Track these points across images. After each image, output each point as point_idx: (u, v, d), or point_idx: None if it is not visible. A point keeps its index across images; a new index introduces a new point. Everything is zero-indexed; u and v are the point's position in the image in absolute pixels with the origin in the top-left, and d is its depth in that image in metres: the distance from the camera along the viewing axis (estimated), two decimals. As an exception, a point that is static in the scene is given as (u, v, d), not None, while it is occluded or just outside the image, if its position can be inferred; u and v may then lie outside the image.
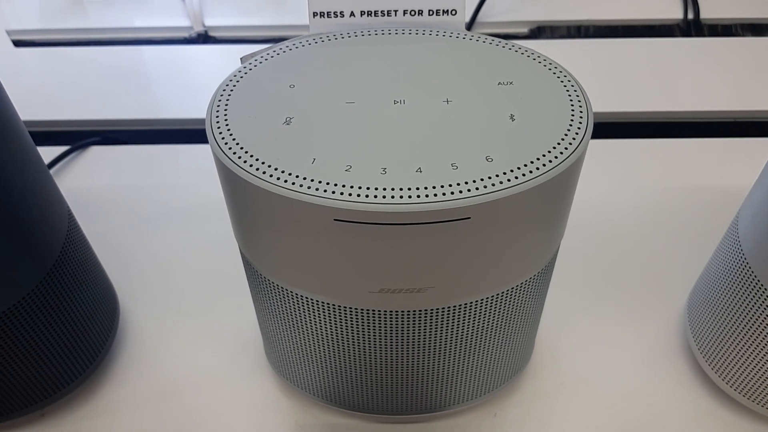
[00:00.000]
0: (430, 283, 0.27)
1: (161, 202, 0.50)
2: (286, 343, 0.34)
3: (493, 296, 0.29)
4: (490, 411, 0.38)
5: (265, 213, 0.26)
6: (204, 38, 0.65)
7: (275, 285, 0.30)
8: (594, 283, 0.44)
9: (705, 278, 0.37)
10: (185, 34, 0.65)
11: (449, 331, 0.30)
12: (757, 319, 0.32)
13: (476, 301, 0.29)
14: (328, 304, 0.29)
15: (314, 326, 0.31)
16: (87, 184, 0.51)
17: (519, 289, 0.30)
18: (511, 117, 0.27)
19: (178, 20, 0.66)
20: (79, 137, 0.54)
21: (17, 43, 0.65)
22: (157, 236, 0.48)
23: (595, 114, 0.53)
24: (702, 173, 0.51)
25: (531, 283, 0.30)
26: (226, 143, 0.26)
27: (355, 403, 0.36)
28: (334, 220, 0.25)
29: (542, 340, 0.41)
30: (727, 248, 0.35)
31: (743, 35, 0.61)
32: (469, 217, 0.25)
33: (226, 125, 0.27)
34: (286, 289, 0.30)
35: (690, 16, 0.62)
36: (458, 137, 0.26)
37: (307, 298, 0.29)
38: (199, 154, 0.53)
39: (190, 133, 0.55)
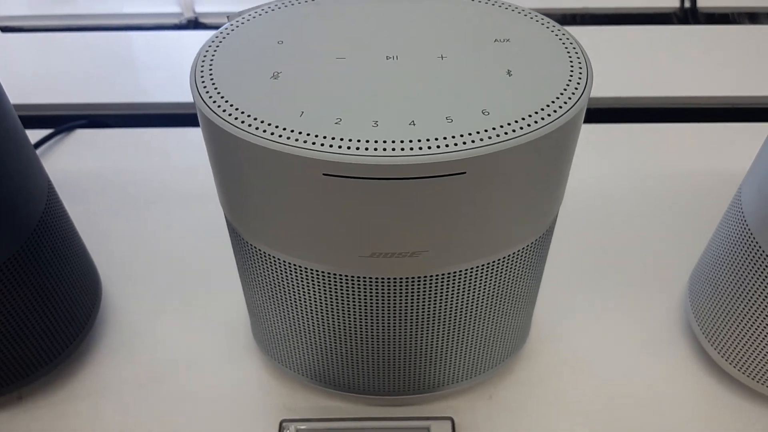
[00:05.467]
0: (424, 247, 0.26)
1: (147, 186, 0.49)
2: (273, 318, 0.33)
3: (489, 263, 0.28)
4: (485, 393, 0.37)
5: (251, 169, 0.25)
6: (194, 24, 0.64)
7: (261, 252, 0.29)
8: (592, 265, 0.43)
9: (707, 257, 0.36)
10: (176, 21, 0.64)
11: (443, 301, 0.29)
12: (762, 293, 0.31)
13: (472, 269, 0.28)
14: (315, 271, 0.28)
15: (301, 297, 0.30)
16: (71, 166, 0.50)
17: (516, 257, 0.29)
18: (508, 72, 0.26)
19: (168, 7, 0.65)
20: (65, 121, 0.53)
21: (5, 29, 0.64)
22: (143, 220, 0.46)
23: (592, 99, 0.54)
24: (699, 157, 0.50)
25: (528, 252, 0.29)
26: (210, 97, 0.25)
27: (344, 382, 0.35)
28: (323, 174, 0.23)
29: (539, 322, 0.40)
30: (730, 224, 0.34)
31: (741, 23, 0.61)
32: (465, 172, 0.23)
33: (211, 79, 0.26)
34: (272, 256, 0.28)
35: (687, 4, 0.61)
36: (453, 92, 0.25)
37: (293, 265, 0.28)
38: (188, 138, 0.52)
39: (179, 118, 0.54)
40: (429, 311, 0.29)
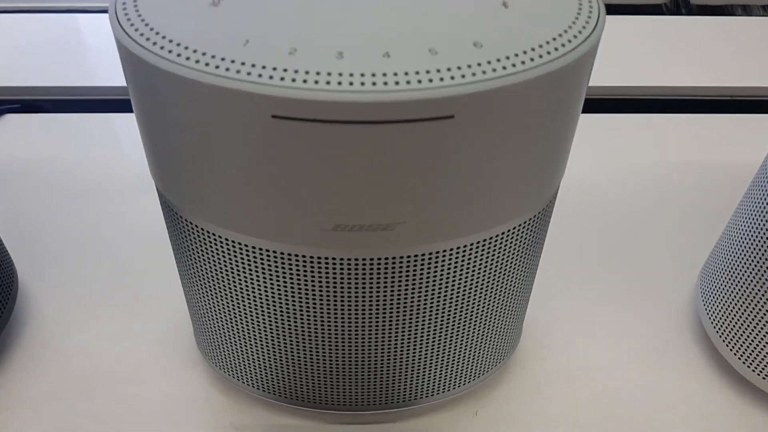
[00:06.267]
0: (400, 217, 0.21)
1: (82, 175, 0.43)
2: (216, 318, 0.27)
3: (479, 243, 0.23)
4: (469, 408, 0.31)
5: (182, 114, 0.20)
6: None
7: (197, 230, 0.23)
8: (590, 264, 0.39)
9: (722, 250, 0.32)
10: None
11: (423, 289, 0.24)
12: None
13: (458, 249, 0.23)
14: (264, 251, 0.22)
15: (248, 287, 0.24)
16: (-1, 154, 0.44)
17: (510, 237, 0.24)
18: (504, 4, 0.21)
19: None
20: (-4, 106, 0.47)
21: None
22: (73, 212, 0.41)
23: (590, 89, 0.50)
24: (701, 149, 0.47)
25: (524, 232, 0.24)
26: (132, 25, 0.20)
27: (303, 395, 0.29)
28: (272, 117, 0.18)
29: (531, 325, 0.35)
30: (749, 209, 0.30)
31: (734, 14, 0.58)
32: (453, 116, 0.19)
33: (135, 6, 0.21)
34: (211, 234, 0.23)
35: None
36: (438, 21, 0.20)
37: (237, 244, 0.23)
38: (129, 124, 0.47)
39: (122, 103, 0.49)
40: (405, 302, 0.24)
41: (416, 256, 0.22)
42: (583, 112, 0.51)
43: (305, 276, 0.23)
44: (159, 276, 0.36)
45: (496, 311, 0.27)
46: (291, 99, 0.18)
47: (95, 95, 0.49)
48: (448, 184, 0.20)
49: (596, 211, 0.42)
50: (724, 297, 0.31)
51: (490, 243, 0.23)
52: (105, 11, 0.58)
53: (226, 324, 0.27)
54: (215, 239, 0.23)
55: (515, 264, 0.25)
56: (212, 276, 0.25)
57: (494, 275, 0.25)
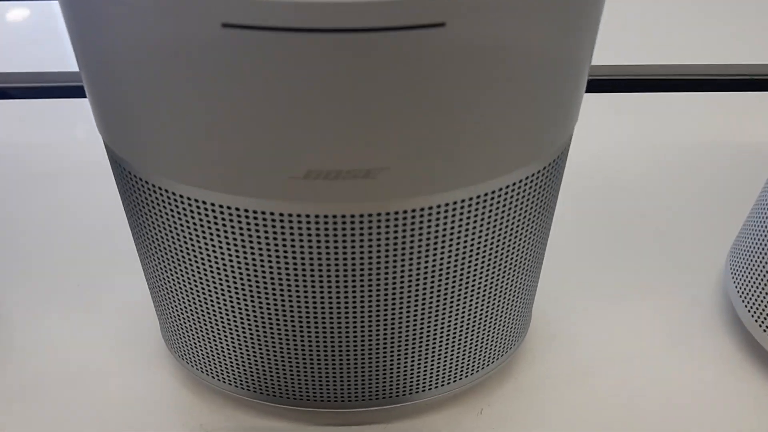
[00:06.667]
0: (383, 160, 0.18)
1: (30, 164, 0.40)
2: (178, 300, 0.23)
3: (477, 198, 0.19)
4: (474, 406, 0.28)
5: (120, 30, 0.16)
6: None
7: (149, 187, 0.20)
8: (606, 247, 0.35)
9: (753, 227, 0.28)
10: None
11: (412, 256, 0.20)
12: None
13: (453, 204, 0.19)
14: (226, 209, 0.19)
15: (209, 257, 0.21)
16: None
17: (515, 192, 0.20)
18: None
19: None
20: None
21: None
22: (24, 201, 0.37)
23: (603, 67, 0.48)
24: (722, 128, 0.44)
25: (531, 187, 0.21)
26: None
27: (281, 390, 0.25)
28: (223, 25, 0.15)
29: (541, 313, 0.31)
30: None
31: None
32: (444, 23, 0.15)
33: None
34: (164, 191, 0.19)
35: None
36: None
37: (193, 202, 0.19)
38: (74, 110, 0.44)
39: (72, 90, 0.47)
40: (394, 272, 0.21)
41: (403, 213, 0.19)
42: (600, 92, 0.49)
43: (275, 239, 0.19)
44: (122, 266, 0.33)
45: (501, 284, 0.23)
46: (245, 3, 0.15)
47: (59, 81, 0.47)
48: (439, 116, 0.17)
49: (610, 192, 0.39)
50: (759, 276, 0.27)
51: (491, 199, 0.20)
52: None
53: (190, 305, 0.23)
54: (168, 197, 0.20)
55: (522, 227, 0.22)
56: (168, 246, 0.21)
57: (497, 240, 0.21)
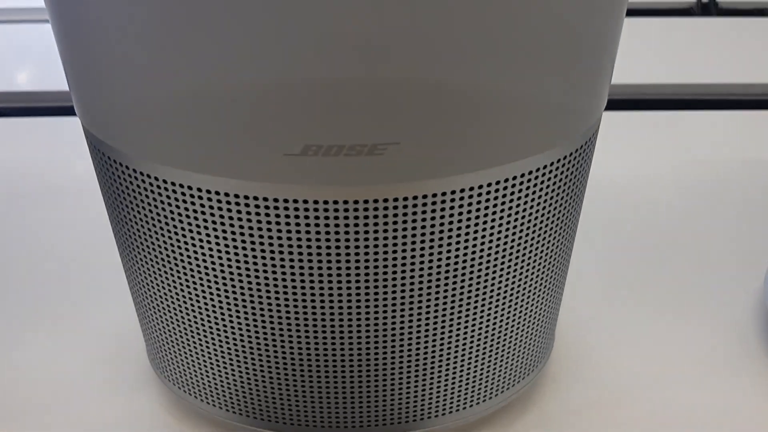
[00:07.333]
0: (392, 135, 0.15)
1: (13, 180, 0.39)
2: (165, 310, 0.21)
3: (499, 183, 0.17)
4: (491, 437, 0.25)
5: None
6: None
7: (129, 173, 0.18)
8: (637, 266, 0.33)
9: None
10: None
11: (424, 247, 0.18)
12: None
13: (471, 191, 0.17)
14: (214, 194, 0.17)
15: (195, 254, 0.18)
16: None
17: (537, 179, 0.18)
18: None
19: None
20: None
21: None
22: (5, 217, 0.36)
23: (626, 87, 0.47)
24: (760, 145, 0.43)
25: (557, 176, 0.18)
26: None
27: (276, 413, 0.22)
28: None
29: (566, 333, 0.28)
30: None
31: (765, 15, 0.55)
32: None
33: None
34: (146, 177, 0.17)
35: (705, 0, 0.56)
36: None
37: (177, 188, 0.17)
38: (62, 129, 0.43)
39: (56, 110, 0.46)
40: (403, 269, 0.18)
41: (413, 199, 0.17)
42: (626, 109, 0.48)
43: (268, 230, 0.17)
44: (105, 283, 0.31)
45: (523, 288, 0.21)
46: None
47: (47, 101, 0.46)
48: (453, 80, 0.15)
49: (644, 210, 0.37)
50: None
51: (512, 186, 0.17)
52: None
53: (175, 310, 0.21)
54: (150, 184, 0.17)
55: (546, 222, 0.19)
56: (150, 242, 0.19)
57: (519, 234, 0.19)
